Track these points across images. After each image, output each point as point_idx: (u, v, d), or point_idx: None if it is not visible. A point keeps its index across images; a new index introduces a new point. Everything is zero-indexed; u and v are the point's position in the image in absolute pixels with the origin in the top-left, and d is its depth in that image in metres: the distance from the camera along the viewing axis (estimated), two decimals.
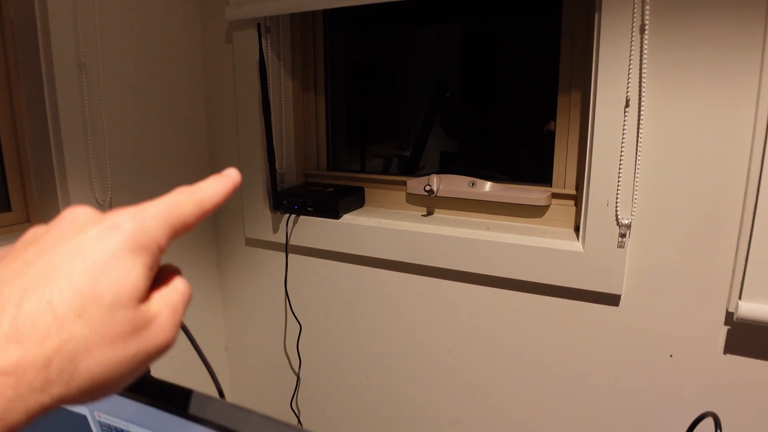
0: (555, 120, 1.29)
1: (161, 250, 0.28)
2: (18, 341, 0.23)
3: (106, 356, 0.25)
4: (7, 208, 1.19)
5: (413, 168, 1.63)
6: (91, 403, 0.27)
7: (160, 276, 0.30)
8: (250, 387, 1.62)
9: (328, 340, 1.43)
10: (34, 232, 0.28)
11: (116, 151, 1.25)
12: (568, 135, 1.17)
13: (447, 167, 1.60)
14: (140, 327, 0.26)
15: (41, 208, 1.21)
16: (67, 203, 1.17)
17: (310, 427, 1.53)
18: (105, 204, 1.23)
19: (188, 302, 0.30)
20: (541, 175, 1.28)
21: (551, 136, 1.30)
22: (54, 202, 1.18)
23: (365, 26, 1.53)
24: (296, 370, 1.48)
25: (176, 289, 0.29)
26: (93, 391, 0.25)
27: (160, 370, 0.79)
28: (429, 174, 1.25)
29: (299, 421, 1.52)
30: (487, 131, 1.55)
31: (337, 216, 1.29)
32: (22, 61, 1.17)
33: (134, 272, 0.26)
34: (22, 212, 1.21)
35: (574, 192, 1.17)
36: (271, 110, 1.28)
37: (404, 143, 1.76)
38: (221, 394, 0.59)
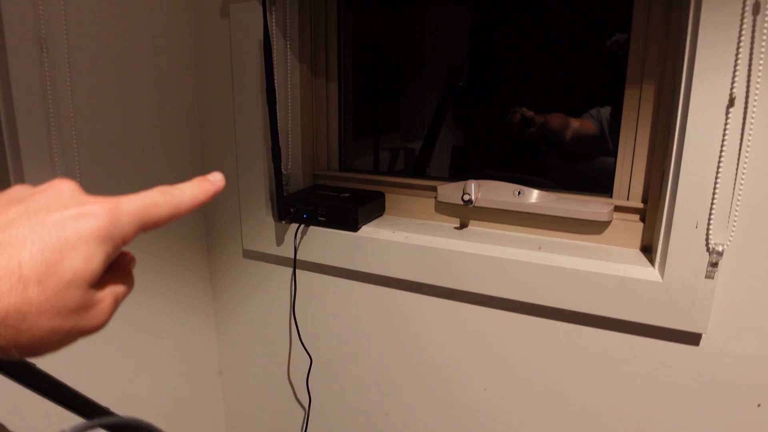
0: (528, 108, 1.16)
1: (125, 242, 0.30)
2: None
3: (50, 324, 0.27)
4: None
5: (424, 164, 1.44)
6: (16, 359, 0.27)
7: (116, 262, 0.31)
8: (248, 421, 1.42)
9: (342, 373, 1.23)
10: (19, 191, 0.31)
11: (87, 148, 1.03)
12: (636, 137, 0.97)
13: (458, 162, 1.43)
14: (84, 307, 0.28)
15: None
16: None
17: None
18: None
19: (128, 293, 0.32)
20: (566, 177, 1.13)
21: (519, 128, 1.15)
22: None
23: (372, 3, 1.32)
24: (305, 405, 1.28)
25: (125, 282, 0.32)
26: (26, 350, 0.27)
27: None
28: (466, 180, 1.05)
29: None
30: (504, 124, 1.36)
31: (355, 228, 1.08)
32: None
33: (96, 259, 0.28)
34: None
35: (641, 206, 0.98)
36: (277, 99, 1.06)
37: (409, 135, 1.58)
38: None
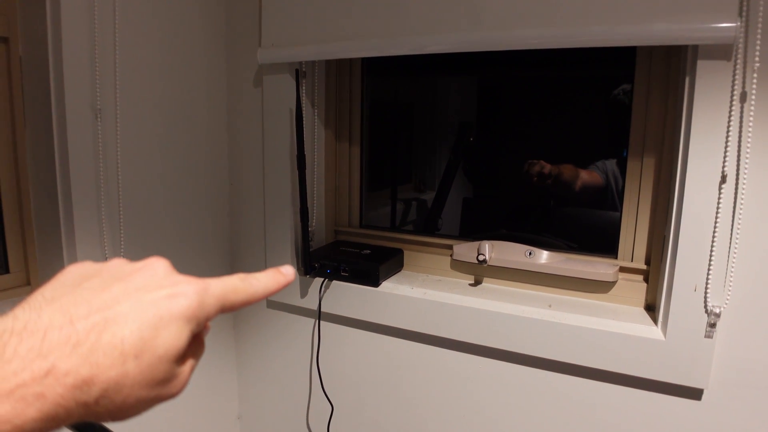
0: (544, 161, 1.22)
1: (207, 321, 0.33)
2: (91, 364, 0.27)
3: (139, 394, 0.29)
4: (5, 269, 1.05)
5: (437, 215, 1.52)
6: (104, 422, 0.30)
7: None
8: None
9: (362, 421, 1.28)
10: (118, 266, 0.33)
11: (131, 207, 1.12)
12: (639, 203, 1.06)
13: (469, 214, 1.50)
14: (168, 380, 0.30)
15: (44, 270, 1.07)
16: None
17: None
18: None
19: None
20: (573, 230, 1.21)
21: (538, 179, 1.22)
22: (59, 263, 1.04)
23: (391, 68, 1.42)
24: None
25: (199, 352, 0.34)
26: (116, 417, 0.29)
27: None
28: (480, 240, 1.13)
29: None
30: (514, 178, 1.44)
31: (376, 284, 1.15)
32: (30, 102, 1.04)
33: (184, 336, 0.31)
34: (21, 274, 1.06)
35: (644, 267, 1.06)
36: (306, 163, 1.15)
37: (422, 186, 1.67)
38: None
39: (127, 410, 0.29)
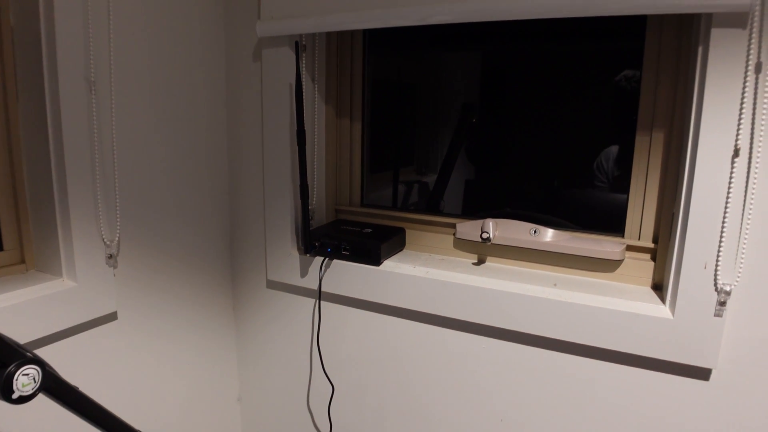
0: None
1: None
2: None
3: None
4: None
5: (439, 197, 1.50)
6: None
7: None
8: None
9: (363, 401, 1.27)
10: None
11: (126, 182, 1.09)
12: (647, 181, 1.03)
13: (471, 196, 1.48)
14: None
15: (39, 248, 1.04)
16: (69, 242, 1.00)
17: None
18: (112, 244, 1.07)
19: None
20: (578, 211, 1.18)
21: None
22: (54, 241, 1.01)
23: (392, 45, 1.39)
24: None
25: None
26: None
27: None
28: (484, 218, 1.11)
29: None
30: (517, 160, 1.42)
31: (378, 263, 1.13)
32: (21, 75, 1.01)
33: None
34: (16, 252, 1.04)
35: (652, 245, 1.03)
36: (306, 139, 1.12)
37: (423, 168, 1.64)
38: None
39: None
